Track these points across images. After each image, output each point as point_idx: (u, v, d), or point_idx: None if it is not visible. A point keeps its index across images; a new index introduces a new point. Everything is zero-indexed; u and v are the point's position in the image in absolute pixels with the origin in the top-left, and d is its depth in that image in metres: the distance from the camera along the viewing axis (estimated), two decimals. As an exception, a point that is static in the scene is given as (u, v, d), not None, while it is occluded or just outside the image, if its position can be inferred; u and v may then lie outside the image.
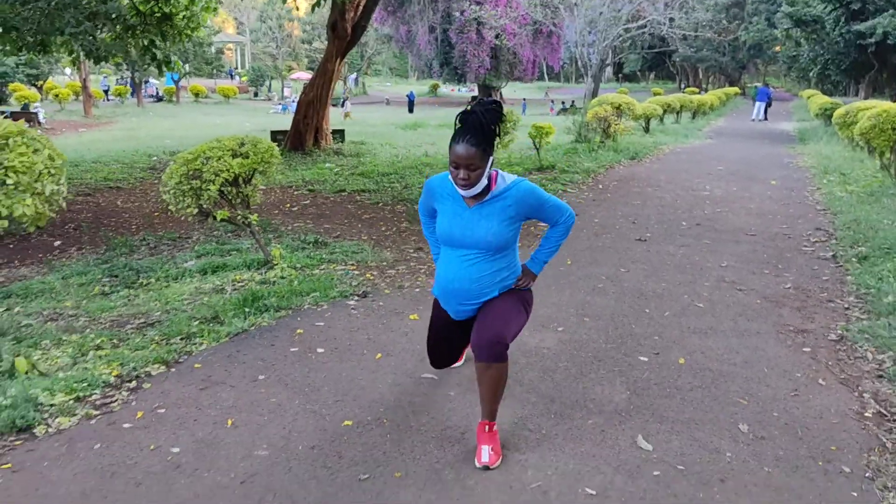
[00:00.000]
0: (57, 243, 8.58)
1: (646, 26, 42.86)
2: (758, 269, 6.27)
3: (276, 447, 3.09)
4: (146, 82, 43.94)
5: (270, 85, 56.29)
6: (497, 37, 45.83)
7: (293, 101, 38.75)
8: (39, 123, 26.90)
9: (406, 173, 13.07)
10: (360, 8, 15.43)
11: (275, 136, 17.53)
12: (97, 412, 3.40)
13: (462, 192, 2.92)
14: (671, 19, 41.23)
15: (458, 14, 45.51)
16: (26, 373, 3.83)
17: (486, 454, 2.99)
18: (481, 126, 2.80)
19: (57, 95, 37.00)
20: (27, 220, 3.64)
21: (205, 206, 6.05)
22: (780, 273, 6.14)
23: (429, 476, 2.89)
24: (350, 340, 4.40)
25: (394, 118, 32.69)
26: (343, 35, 15.31)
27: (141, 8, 15.07)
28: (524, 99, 47.52)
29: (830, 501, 2.78)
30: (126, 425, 3.28)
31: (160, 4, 16.14)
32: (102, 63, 15.17)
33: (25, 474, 2.86)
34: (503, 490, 2.81)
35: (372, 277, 5.95)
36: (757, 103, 32.53)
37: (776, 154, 17.01)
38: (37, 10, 10.21)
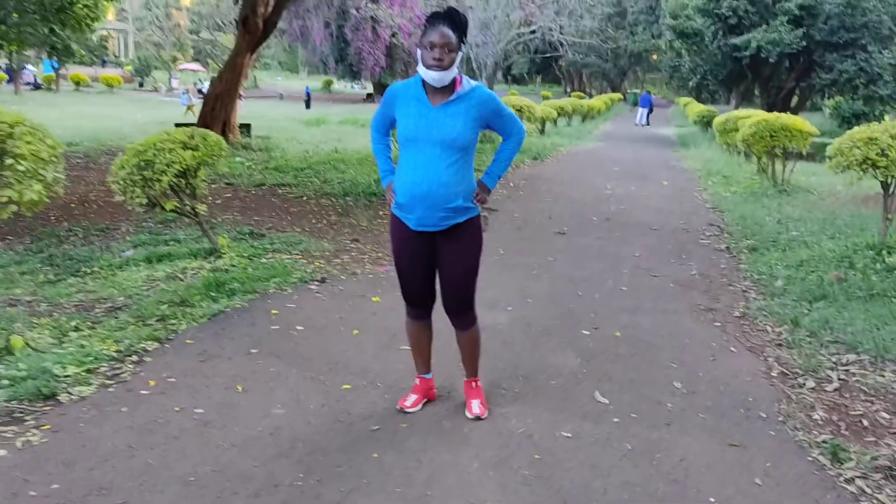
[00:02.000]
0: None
1: (535, 31, 44.42)
2: (665, 258, 7.07)
3: (290, 406, 3.49)
4: (23, 69, 41.57)
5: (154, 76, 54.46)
6: (393, 35, 46.22)
7: (185, 93, 37.77)
8: None
9: (320, 168, 13.32)
10: (271, 4, 15.54)
11: (178, 127, 17.32)
12: (111, 382, 3.67)
13: (434, 75, 2.98)
14: (560, 26, 42.89)
15: (353, 11, 45.56)
16: (21, 349, 4.01)
17: (476, 406, 3.46)
18: (457, 19, 3.01)
19: (-77, 80, 34.62)
20: (30, 205, 3.83)
21: (154, 196, 6.23)
22: (685, 262, 6.95)
23: (430, 426, 3.37)
24: (324, 319, 4.79)
25: (292, 113, 32.50)
26: (254, 30, 15.37)
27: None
28: (419, 98, 48.06)
29: (753, 438, 3.45)
30: (143, 392, 3.57)
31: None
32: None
33: (66, 434, 3.14)
34: (494, 435, 3.32)
35: (321, 265, 6.32)
36: (640, 109, 34.51)
37: (663, 157, 18.34)
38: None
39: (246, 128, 18.18)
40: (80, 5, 16.41)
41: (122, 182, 6.12)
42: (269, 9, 15.50)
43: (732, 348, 4.67)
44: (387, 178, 3.36)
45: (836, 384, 4.11)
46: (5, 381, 3.53)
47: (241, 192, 10.82)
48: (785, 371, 4.30)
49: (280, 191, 10.96)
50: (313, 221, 8.66)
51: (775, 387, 4.09)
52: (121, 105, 34.76)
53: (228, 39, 64.71)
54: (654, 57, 56.52)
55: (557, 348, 4.48)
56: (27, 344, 4.09)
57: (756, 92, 35.43)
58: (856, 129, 6.61)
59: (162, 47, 63.66)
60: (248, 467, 2.93)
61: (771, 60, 28.86)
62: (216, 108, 16.08)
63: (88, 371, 3.74)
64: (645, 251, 7.31)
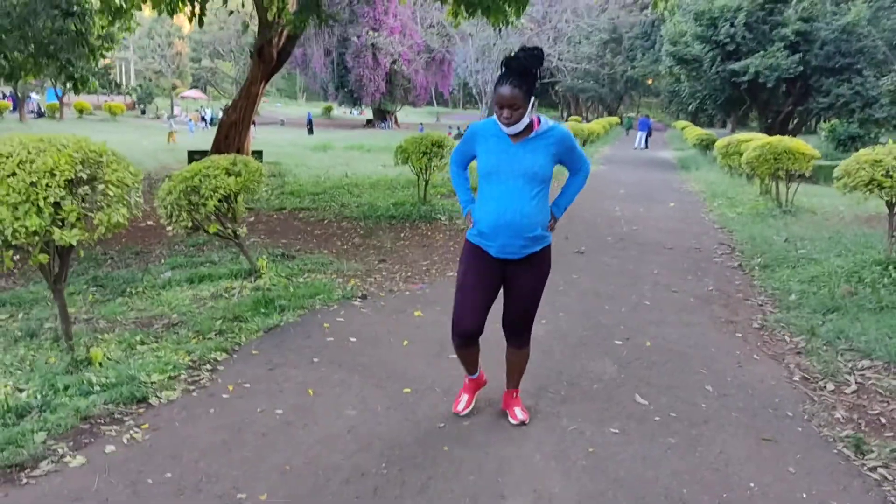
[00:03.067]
0: (16, 257, 8.73)
1: (534, 57, 45.13)
2: (682, 275, 7.42)
3: (359, 409, 3.81)
4: (28, 98, 42.09)
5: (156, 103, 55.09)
6: (394, 62, 46.95)
7: (188, 119, 38.20)
8: (-81, 138, 25.54)
9: (335, 193, 13.72)
10: (285, 35, 16.00)
11: (192, 156, 17.73)
12: (192, 387, 3.99)
13: (506, 130, 3.23)
14: (559, 52, 43.66)
15: (354, 39, 46.33)
16: (100, 363, 4.34)
17: (519, 412, 3.76)
18: (524, 70, 3.11)
19: (-68, 109, 35.08)
20: (115, 227, 4.17)
21: (198, 220, 6.58)
22: (701, 279, 7.30)
23: (491, 424, 3.70)
24: (373, 332, 5.12)
25: (296, 139, 32.99)
26: (269, 60, 15.82)
27: (55, 26, 15.05)
28: (421, 123, 48.74)
29: (783, 434, 3.78)
30: (224, 396, 3.90)
31: (75, 23, 16.13)
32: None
33: (164, 432, 3.46)
34: (550, 432, 3.65)
35: (358, 284, 6.65)
36: (638, 133, 35.04)
37: (666, 179, 18.75)
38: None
39: (258, 154, 18.59)
40: (95, 36, 16.89)
41: (168, 207, 6.46)
42: (283, 39, 15.96)
43: (755, 356, 5.01)
44: (467, 206, 3.60)
45: (853, 387, 4.44)
46: (98, 388, 3.85)
47: (263, 216, 11.18)
48: (806, 376, 4.64)
49: (301, 215, 11.33)
50: (339, 244, 9.00)
51: (798, 390, 4.42)
52: (126, 132, 35.21)
53: (228, 67, 65.63)
54: (651, 81, 57.42)
55: (595, 356, 4.81)
56: (104, 356, 4.42)
57: (753, 115, 36.06)
58: (861, 151, 7.00)
59: (163, 75, 64.45)
60: (335, 460, 3.25)
61: (769, 85, 29.50)
62: (230, 136, 16.47)
63: (171, 378, 4.07)
64: (662, 269, 7.66)
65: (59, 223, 3.94)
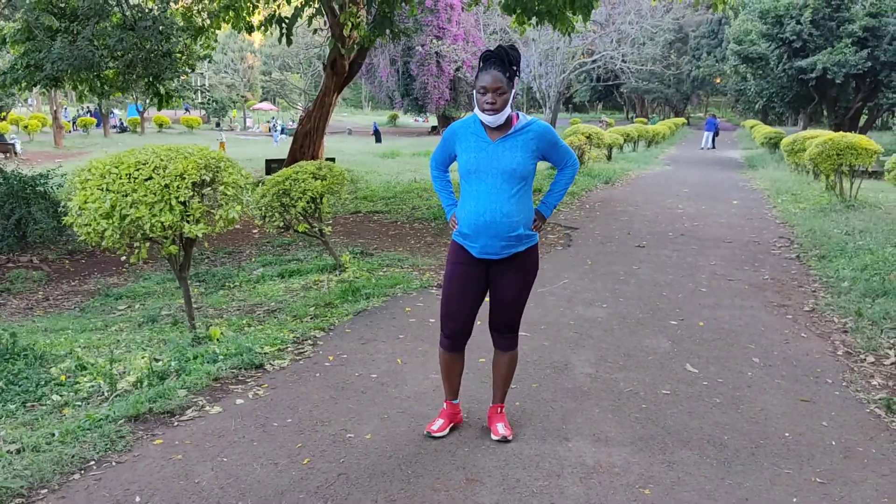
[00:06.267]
0: (123, 258, 9.68)
1: (597, 60, 45.30)
2: (739, 266, 7.80)
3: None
4: (111, 113, 44.37)
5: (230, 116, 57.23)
6: (457, 69, 47.71)
7: (274, 129, 39.82)
8: (16, 154, 27.29)
9: (406, 197, 14.40)
10: (356, 48, 16.83)
11: (269, 164, 18.74)
12: (299, 357, 4.68)
13: (488, 118, 3.16)
14: (622, 54, 43.65)
15: (418, 48, 47.28)
16: (217, 339, 5.06)
17: (501, 427, 3.57)
18: (506, 58, 3.14)
19: (25, 127, 37.36)
20: (230, 223, 4.88)
21: (289, 220, 7.30)
22: (758, 269, 7.67)
23: (553, 384, 4.24)
24: (450, 314, 5.72)
25: (364, 148, 34.02)
26: (341, 72, 16.66)
27: (145, 45, 16.20)
28: (484, 129, 49.22)
29: (821, 396, 4.21)
30: (326, 364, 4.56)
31: (162, 42, 17.31)
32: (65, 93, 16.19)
33: (281, 390, 4.13)
34: (608, 392, 4.18)
35: (432, 276, 7.27)
36: (705, 133, 34.89)
37: (730, 178, 18.88)
38: (58, 50, 11.18)
39: (331, 161, 19.44)
40: (179, 53, 18.05)
41: (263, 209, 7.20)
42: (354, 52, 16.78)
43: (803, 334, 5.42)
44: (450, 209, 3.54)
45: (893, 359, 4.82)
46: (221, 357, 4.56)
47: (340, 218, 11.94)
48: (849, 351, 5.04)
49: (375, 217, 12.06)
50: (412, 242, 9.66)
51: (840, 362, 4.83)
52: (205, 144, 36.76)
53: (296, 79, 67.57)
54: (719, 80, 56.74)
55: (650, 334, 5.31)
56: (221, 333, 5.14)
57: (824, 112, 35.47)
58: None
59: (235, 88, 66.74)
60: (426, 410, 3.86)
61: (837, 81, 29.05)
62: (304, 145, 17.38)
63: (280, 350, 4.76)
64: (720, 261, 8.05)
65: (187, 219, 4.66)
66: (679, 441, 3.59)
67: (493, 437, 3.55)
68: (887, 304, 5.87)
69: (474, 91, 3.21)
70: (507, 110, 3.19)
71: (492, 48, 3.18)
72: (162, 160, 4.64)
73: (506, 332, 3.55)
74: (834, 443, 3.61)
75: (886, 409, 4.01)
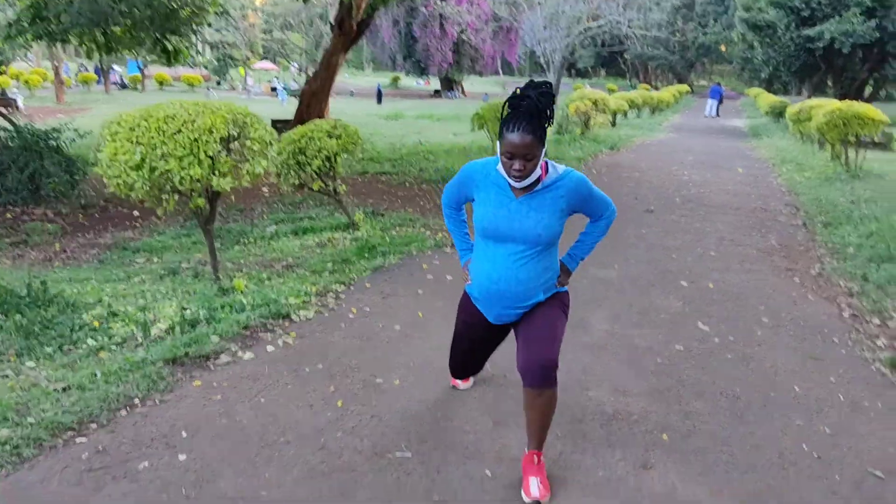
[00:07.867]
0: (135, 213, 9.81)
1: (603, 25, 44.98)
2: (747, 232, 7.94)
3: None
4: (111, 70, 43.99)
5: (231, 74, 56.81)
6: (461, 32, 47.31)
7: (259, 91, 39.43)
8: (18, 109, 27.13)
9: (412, 159, 14.47)
10: (363, 7, 16.75)
11: (275, 123, 18.71)
12: (323, 309, 4.83)
13: (515, 184, 2.68)
14: (628, 19, 43.34)
15: (422, 9, 46.81)
16: (242, 291, 5.19)
17: (535, 486, 2.81)
18: (536, 111, 2.54)
19: (26, 82, 37.14)
20: (256, 177, 4.98)
21: (304, 178, 7.39)
22: (765, 234, 7.81)
23: (571, 339, 4.40)
24: (467, 272, 5.86)
25: (367, 109, 33.89)
26: (349, 31, 16.60)
27: (153, 2, 16.10)
28: (485, 93, 49.09)
29: (828, 354, 4.38)
30: (350, 316, 4.71)
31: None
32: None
33: (309, 339, 4.29)
34: (624, 347, 4.34)
35: (444, 236, 7.39)
36: (709, 101, 34.76)
37: (735, 147, 18.93)
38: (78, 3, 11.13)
39: (337, 122, 19.43)
40: (186, 10, 17.94)
41: (279, 166, 7.29)
42: (362, 11, 16.70)
43: (810, 297, 5.57)
44: (464, 255, 3.16)
45: (897, 322, 4.99)
46: (248, 307, 4.70)
47: (348, 178, 12.00)
48: (855, 313, 5.19)
49: (383, 178, 12.13)
50: (421, 203, 9.76)
51: (846, 323, 4.99)
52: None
53: (297, 38, 67.01)
54: (724, 48, 56.38)
55: (662, 295, 5.46)
56: (245, 286, 5.28)
57: (829, 82, 35.37)
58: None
59: (236, 47, 66.15)
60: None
61: (844, 51, 28.95)
62: (311, 105, 17.37)
63: (304, 301, 4.90)
64: (727, 226, 8.18)
65: (215, 173, 4.76)
66: (693, 393, 3.75)
67: (525, 497, 2.80)
68: (893, 269, 6.01)
69: (498, 145, 2.64)
70: (537, 171, 2.66)
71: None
72: (190, 114, 4.72)
73: (540, 374, 2.77)
74: (842, 397, 3.78)
75: (891, 368, 4.17)
